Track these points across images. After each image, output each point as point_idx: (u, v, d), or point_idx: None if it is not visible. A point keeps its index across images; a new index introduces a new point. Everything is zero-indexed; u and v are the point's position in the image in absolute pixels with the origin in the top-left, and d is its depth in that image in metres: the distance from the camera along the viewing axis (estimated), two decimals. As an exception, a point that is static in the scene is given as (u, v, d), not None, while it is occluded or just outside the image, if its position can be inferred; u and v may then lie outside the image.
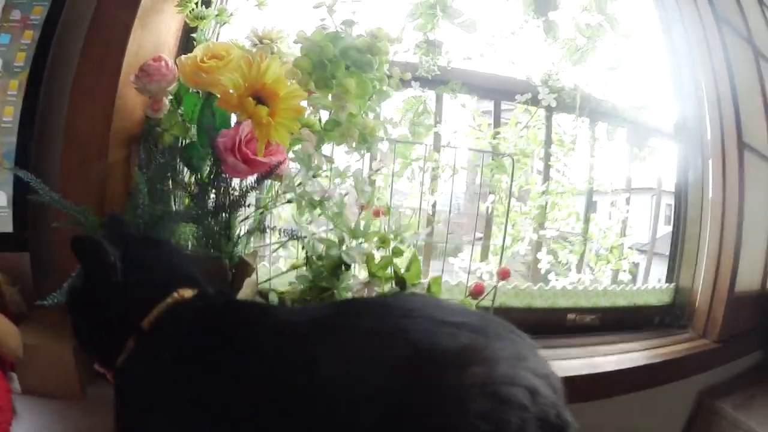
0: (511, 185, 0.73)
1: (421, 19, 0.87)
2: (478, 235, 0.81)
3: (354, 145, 0.58)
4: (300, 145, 0.58)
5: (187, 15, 0.69)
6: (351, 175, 0.59)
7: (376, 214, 0.64)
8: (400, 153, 0.82)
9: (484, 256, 0.81)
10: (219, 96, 0.56)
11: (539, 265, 0.84)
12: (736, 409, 0.71)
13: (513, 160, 0.75)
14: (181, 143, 0.64)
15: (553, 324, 0.75)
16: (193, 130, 0.65)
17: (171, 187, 0.59)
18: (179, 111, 0.63)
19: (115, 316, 0.40)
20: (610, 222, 0.86)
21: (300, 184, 0.59)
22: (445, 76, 0.81)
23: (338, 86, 0.50)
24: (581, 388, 0.62)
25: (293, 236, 0.58)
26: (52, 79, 0.68)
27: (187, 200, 0.62)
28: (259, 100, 0.52)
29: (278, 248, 0.67)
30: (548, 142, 0.85)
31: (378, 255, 0.58)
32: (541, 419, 0.33)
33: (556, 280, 0.83)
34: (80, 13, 0.68)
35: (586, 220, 0.86)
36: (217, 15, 0.70)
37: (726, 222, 0.77)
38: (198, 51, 0.62)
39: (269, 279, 0.64)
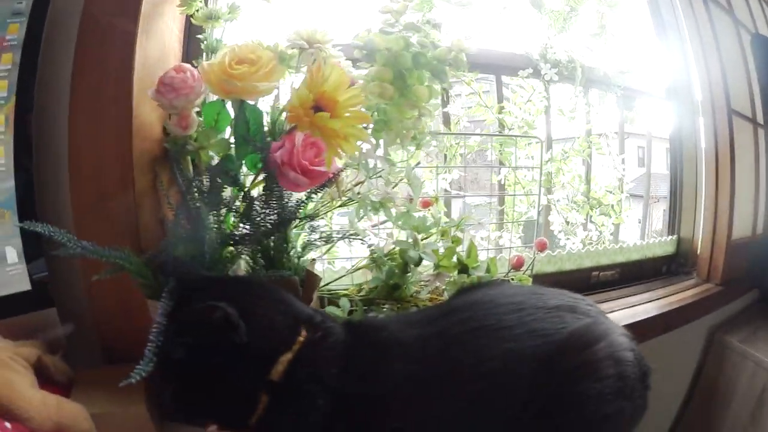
0: (542, 164, 0.79)
1: (417, -1, 0.87)
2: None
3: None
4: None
5: (194, 16, 0.64)
6: (404, 173, 0.62)
7: (425, 205, 0.67)
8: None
9: (500, 227, 0.88)
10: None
11: (551, 227, 0.94)
12: (743, 342, 0.84)
13: (542, 141, 0.81)
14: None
15: (581, 282, 0.85)
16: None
17: (219, 206, 0.57)
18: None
19: (240, 376, 0.38)
20: (609, 180, 0.98)
21: (357, 186, 0.60)
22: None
23: (412, 95, 0.51)
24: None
25: (359, 239, 0.59)
26: (45, 107, 0.61)
27: (230, 220, 0.60)
28: (318, 107, 0.52)
29: (327, 250, 0.68)
30: (549, 112, 0.92)
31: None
32: (639, 368, 0.43)
33: (567, 239, 0.93)
34: (66, 26, 0.60)
35: (588, 181, 0.96)
36: (229, 13, 0.66)
37: (720, 179, 0.89)
38: (222, 56, 0.58)
39: (332, 282, 0.66)
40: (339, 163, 0.59)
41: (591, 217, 0.95)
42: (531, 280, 0.66)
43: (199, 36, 0.67)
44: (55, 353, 0.56)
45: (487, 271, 0.64)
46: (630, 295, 0.86)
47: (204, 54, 0.68)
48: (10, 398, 0.44)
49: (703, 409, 0.87)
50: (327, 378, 0.39)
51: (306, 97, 0.48)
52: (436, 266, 0.63)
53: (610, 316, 0.78)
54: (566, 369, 0.40)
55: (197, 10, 0.64)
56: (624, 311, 0.80)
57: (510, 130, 0.87)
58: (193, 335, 0.39)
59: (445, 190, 0.84)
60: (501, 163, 0.88)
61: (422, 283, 0.63)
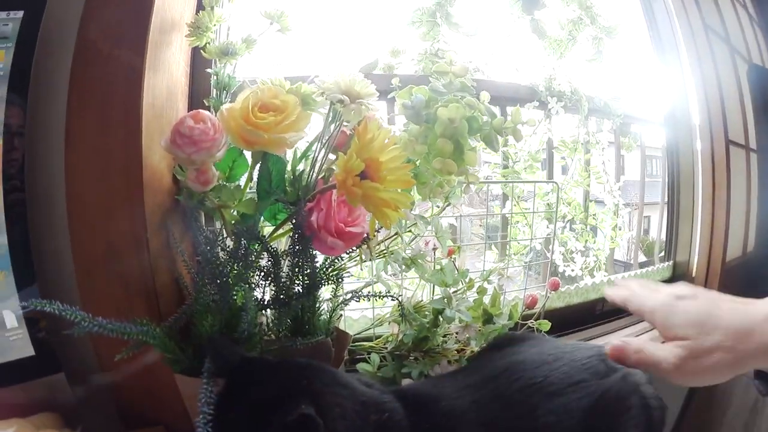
0: (557, 210, 0.84)
1: (423, 28, 0.89)
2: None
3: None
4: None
5: (206, 49, 0.62)
6: (431, 225, 0.64)
7: (450, 253, 0.70)
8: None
9: (501, 255, 0.94)
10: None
11: (552, 256, 1.00)
12: None
13: (558, 185, 0.85)
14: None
15: (587, 314, 0.93)
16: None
17: (248, 272, 0.56)
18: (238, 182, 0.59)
19: None
20: (607, 207, 1.06)
21: (385, 241, 0.62)
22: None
23: (464, 162, 0.53)
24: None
25: (390, 297, 0.61)
26: (37, 155, 0.57)
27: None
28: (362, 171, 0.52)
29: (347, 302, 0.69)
30: (550, 143, 0.98)
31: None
32: (661, 410, 0.47)
33: (566, 266, 1.00)
34: (61, 53, 0.56)
35: (586, 209, 1.03)
36: (246, 46, 0.64)
37: (716, 206, 0.98)
38: (244, 101, 0.55)
39: (358, 333, 0.67)
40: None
41: (587, 242, 1.03)
42: (548, 325, 0.71)
43: (209, 70, 0.64)
44: (72, 427, 0.55)
45: (510, 317, 0.69)
46: (632, 324, 0.95)
47: (214, 91, 0.66)
48: None
49: (699, 421, 0.97)
50: None
51: (356, 165, 0.48)
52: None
53: None
54: (607, 418, 0.45)
55: (208, 43, 0.62)
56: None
57: (516, 162, 0.91)
58: None
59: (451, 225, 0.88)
60: (505, 196, 0.93)
61: (449, 334, 0.66)
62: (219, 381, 0.44)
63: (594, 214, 1.05)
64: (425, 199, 0.61)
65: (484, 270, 0.69)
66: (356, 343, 0.68)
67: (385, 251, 0.62)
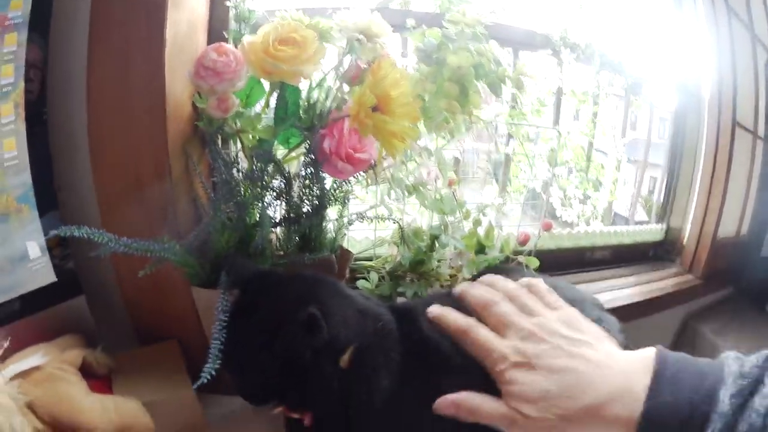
0: (556, 157, 0.90)
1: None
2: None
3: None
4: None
5: None
6: (435, 156, 0.72)
7: (450, 183, 0.78)
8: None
9: (501, 191, 1.02)
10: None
11: (550, 200, 1.08)
12: (714, 334, 1.02)
13: (560, 133, 0.92)
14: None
15: (577, 260, 1.02)
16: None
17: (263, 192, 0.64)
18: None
19: (317, 367, 0.45)
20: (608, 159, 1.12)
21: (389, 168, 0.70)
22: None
23: (469, 103, 0.60)
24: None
25: (392, 220, 0.70)
26: (59, 88, 0.62)
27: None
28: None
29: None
30: (560, 91, 1.03)
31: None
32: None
33: (564, 210, 1.09)
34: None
35: (588, 159, 1.10)
36: None
37: (714, 182, 1.05)
38: (265, 35, 0.61)
39: (360, 253, 0.76)
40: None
41: (586, 190, 1.11)
42: (537, 262, 0.80)
43: (228, 3, 0.69)
44: (93, 346, 0.61)
45: (501, 250, 0.78)
46: (618, 276, 1.04)
47: (233, 23, 0.72)
48: (72, 413, 0.49)
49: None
50: (390, 360, 0.47)
51: (369, 100, 0.56)
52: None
53: (601, 296, 0.96)
54: None
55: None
56: (613, 293, 0.97)
57: (523, 105, 0.97)
58: (279, 339, 0.45)
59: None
60: (510, 136, 0.99)
61: (444, 260, 0.75)
62: (234, 292, 0.52)
63: (600, 164, 1.12)
64: (431, 132, 0.68)
65: (481, 203, 0.78)
66: (358, 262, 0.77)
67: (389, 177, 0.69)
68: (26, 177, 0.59)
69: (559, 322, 0.44)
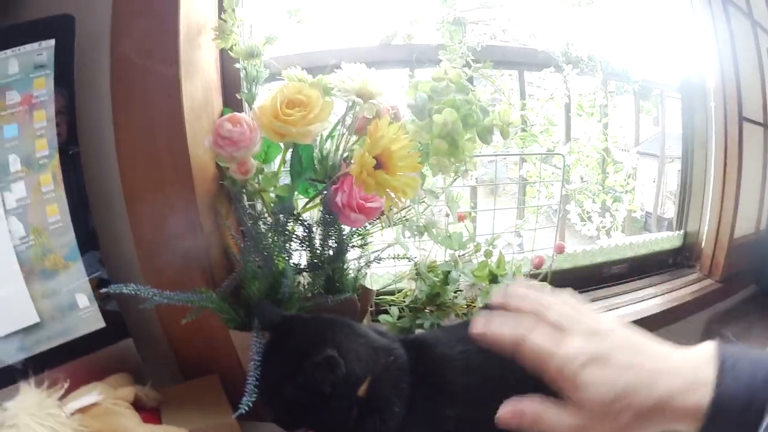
0: (563, 183, 0.94)
1: (441, -5, 0.97)
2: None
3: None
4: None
5: (233, 50, 0.74)
6: (443, 194, 0.77)
7: (461, 218, 0.84)
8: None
9: (520, 215, 1.06)
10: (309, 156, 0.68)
11: (568, 216, 1.12)
12: (737, 337, 1.01)
13: (564, 157, 0.96)
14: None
15: (594, 276, 1.06)
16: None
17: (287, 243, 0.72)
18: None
19: (337, 398, 0.52)
20: (623, 169, 1.15)
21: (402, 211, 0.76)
22: (474, 56, 0.96)
23: (460, 153, 0.66)
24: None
25: (407, 258, 0.76)
26: (93, 163, 0.71)
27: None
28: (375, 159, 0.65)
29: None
30: (568, 106, 1.07)
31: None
32: None
33: (583, 225, 1.12)
34: (94, 72, 0.70)
35: (603, 171, 1.13)
36: (265, 44, 0.77)
37: (726, 181, 1.05)
38: (271, 99, 0.68)
39: (381, 288, 0.84)
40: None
41: (605, 202, 1.14)
42: (549, 286, 0.85)
43: (237, 65, 0.76)
44: (142, 382, 0.70)
45: (513, 278, 0.83)
46: (638, 289, 1.07)
47: (244, 84, 0.79)
48: None
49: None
50: (400, 390, 0.55)
51: (369, 162, 0.62)
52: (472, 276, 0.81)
53: (620, 311, 1.00)
54: None
55: (234, 44, 0.74)
56: (632, 306, 1.00)
57: (533, 126, 1.01)
58: (303, 375, 0.53)
59: (472, 187, 1.01)
60: (523, 160, 1.03)
61: (460, 290, 0.81)
62: (265, 334, 0.60)
63: (616, 174, 1.14)
64: (435, 175, 0.74)
65: (493, 233, 0.83)
66: (380, 297, 0.85)
67: (401, 219, 0.76)
68: (71, 238, 0.69)
69: (612, 322, 0.44)
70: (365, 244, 0.74)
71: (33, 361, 0.64)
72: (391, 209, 0.73)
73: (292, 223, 0.72)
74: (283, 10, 0.76)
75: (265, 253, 0.69)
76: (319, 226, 0.73)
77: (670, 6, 1.09)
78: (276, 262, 0.70)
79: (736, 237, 1.09)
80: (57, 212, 0.68)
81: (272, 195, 0.73)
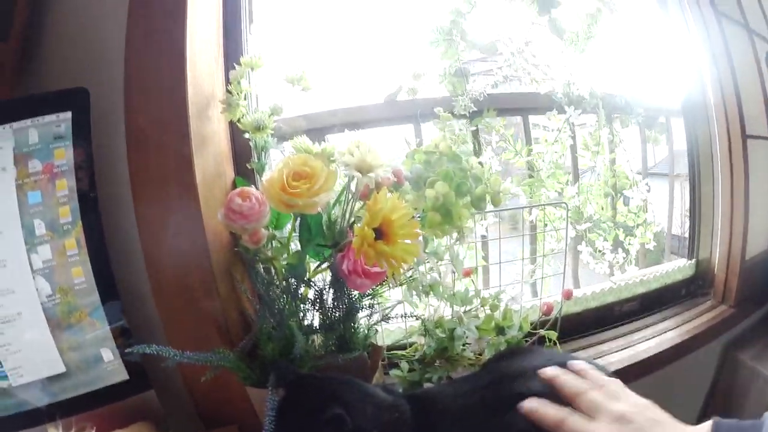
0: (567, 231, 0.98)
1: (442, 47, 1.02)
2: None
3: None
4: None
5: (241, 122, 0.81)
6: (447, 253, 0.82)
7: (467, 274, 0.89)
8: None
9: (533, 260, 1.10)
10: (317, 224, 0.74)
11: (580, 257, 1.15)
12: (753, 360, 1.05)
13: (567, 207, 0.99)
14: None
15: (605, 317, 1.08)
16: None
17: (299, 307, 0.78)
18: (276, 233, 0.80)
19: None
20: (633, 203, 1.17)
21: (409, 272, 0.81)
22: (477, 106, 1.01)
23: (456, 218, 0.70)
24: (627, 374, 0.95)
25: (414, 317, 0.82)
26: (114, 230, 0.78)
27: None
28: (377, 230, 0.71)
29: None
30: (574, 147, 1.10)
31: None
32: None
33: (596, 263, 1.15)
34: (114, 145, 0.76)
35: (614, 207, 1.16)
36: (271, 115, 0.83)
37: (734, 202, 1.07)
38: (278, 171, 0.74)
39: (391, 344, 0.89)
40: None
41: (617, 236, 1.16)
42: (555, 334, 0.89)
43: (246, 136, 0.82)
44: (163, 431, 0.77)
45: (520, 328, 0.87)
46: (651, 325, 1.09)
47: (254, 153, 0.86)
48: None
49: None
50: None
51: (369, 234, 0.67)
52: (478, 330, 0.85)
53: (635, 348, 1.02)
54: None
55: (242, 116, 0.80)
56: (646, 343, 1.03)
57: (539, 171, 1.05)
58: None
59: (483, 236, 1.05)
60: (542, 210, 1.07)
61: (467, 344, 0.85)
62: (279, 391, 0.66)
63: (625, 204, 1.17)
64: (438, 238, 0.79)
65: (500, 286, 0.87)
66: (392, 352, 0.90)
67: (407, 280, 0.81)
68: (95, 297, 0.75)
69: (641, 405, 0.55)
70: (373, 305, 0.79)
71: (59, 407, 0.71)
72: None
73: (303, 287, 0.78)
74: (287, 78, 0.82)
75: (278, 316, 0.75)
76: (329, 289, 0.79)
77: (665, 27, 1.11)
78: (289, 324, 0.76)
79: (748, 258, 1.11)
80: (81, 274, 0.75)
81: (283, 262, 0.78)
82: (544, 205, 1.04)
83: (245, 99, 0.82)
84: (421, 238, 0.78)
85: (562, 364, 0.69)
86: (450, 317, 0.83)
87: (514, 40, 1.04)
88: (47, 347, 0.73)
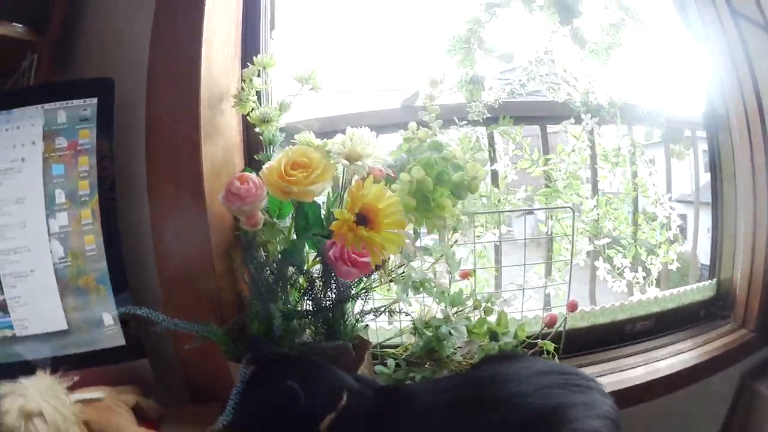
0: (573, 236, 0.96)
1: (459, 56, 1.05)
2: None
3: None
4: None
5: (250, 116, 0.87)
6: (442, 252, 0.83)
7: (464, 276, 0.89)
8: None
9: (548, 272, 1.08)
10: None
11: (597, 273, 1.12)
12: None
13: (573, 211, 0.98)
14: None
15: (613, 335, 1.04)
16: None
17: (286, 290, 0.81)
18: (268, 217, 0.84)
19: (298, 428, 0.61)
20: (656, 221, 1.12)
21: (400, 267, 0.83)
22: (493, 113, 1.02)
23: (437, 207, 0.72)
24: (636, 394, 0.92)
25: (403, 313, 0.83)
26: (126, 204, 0.85)
27: (295, 295, 0.84)
28: (361, 216, 0.74)
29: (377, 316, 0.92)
30: (593, 158, 1.08)
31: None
32: None
33: (614, 282, 1.11)
34: (133, 130, 0.84)
35: (635, 223, 1.12)
36: (279, 110, 0.89)
37: (758, 216, 1.02)
38: (278, 160, 0.78)
39: (383, 341, 0.91)
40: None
41: (640, 256, 1.11)
42: (552, 345, 0.86)
43: (257, 129, 0.88)
44: (148, 396, 0.82)
45: (515, 336, 0.85)
46: (665, 345, 1.03)
47: (264, 145, 0.91)
48: None
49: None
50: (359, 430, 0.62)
51: (348, 217, 0.70)
52: (470, 332, 0.85)
53: (643, 369, 0.98)
54: None
55: (252, 110, 0.86)
56: (657, 364, 0.98)
57: (555, 181, 1.04)
58: (268, 401, 0.63)
59: (495, 243, 1.05)
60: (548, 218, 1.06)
61: (458, 346, 0.85)
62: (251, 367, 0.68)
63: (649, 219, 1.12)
64: (431, 232, 0.80)
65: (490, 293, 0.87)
66: (384, 349, 0.91)
67: (398, 275, 0.82)
68: (103, 264, 0.83)
69: None
70: (361, 296, 0.81)
71: (56, 361, 0.77)
72: (385, 263, 0.81)
73: (295, 274, 0.81)
74: (296, 77, 0.87)
75: (265, 297, 0.78)
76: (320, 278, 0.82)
77: (685, 35, 1.08)
78: (269, 304, 0.79)
79: None
80: (93, 242, 0.82)
81: (276, 246, 0.82)
82: (546, 209, 1.02)
83: (257, 95, 0.88)
84: (411, 232, 0.80)
85: (546, 373, 0.68)
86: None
87: (534, 48, 1.05)
88: (53, 304, 0.81)
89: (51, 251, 0.80)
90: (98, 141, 0.82)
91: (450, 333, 0.80)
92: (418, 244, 0.82)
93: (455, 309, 0.84)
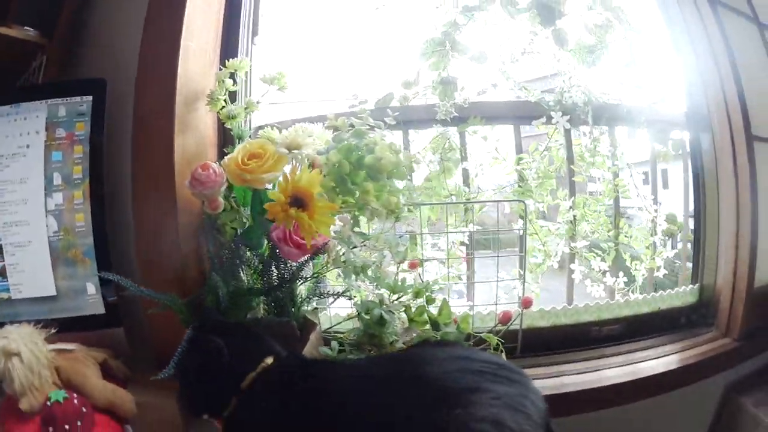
0: (525, 229, 0.96)
1: (433, 58, 1.09)
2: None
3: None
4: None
5: (220, 113, 0.97)
6: (385, 241, 0.87)
7: (413, 266, 0.92)
8: (435, 192, 1.08)
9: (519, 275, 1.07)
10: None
11: (573, 276, 1.08)
12: (757, 406, 0.92)
13: (525, 204, 0.98)
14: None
15: (578, 337, 1.00)
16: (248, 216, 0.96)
17: (241, 268, 0.89)
18: (234, 205, 0.93)
19: (223, 383, 0.69)
20: (640, 224, 1.08)
21: (343, 255, 0.88)
22: (464, 113, 1.05)
23: (360, 191, 0.77)
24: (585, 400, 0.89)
25: (345, 296, 0.88)
26: (113, 187, 0.97)
27: (252, 275, 0.92)
28: (297, 199, 0.80)
29: (332, 302, 0.98)
30: (570, 158, 1.07)
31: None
32: None
33: (592, 286, 1.07)
34: (119, 123, 0.96)
35: (616, 226, 1.08)
36: (245, 108, 0.99)
37: (740, 220, 0.96)
38: (238, 151, 0.88)
39: (330, 327, 0.95)
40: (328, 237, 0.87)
41: (624, 261, 1.07)
42: (496, 339, 0.86)
43: (227, 126, 0.98)
44: (118, 358, 0.94)
45: (458, 327, 0.86)
46: (637, 350, 0.99)
47: (235, 140, 1.01)
48: (83, 383, 0.83)
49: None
50: (277, 393, 0.67)
51: (281, 198, 0.76)
52: (411, 320, 0.87)
53: (609, 372, 0.93)
54: (423, 419, 0.59)
55: (222, 108, 0.97)
56: (628, 367, 0.94)
57: (526, 181, 1.04)
58: (198, 356, 0.71)
59: (463, 242, 1.07)
60: (521, 217, 1.05)
61: (399, 334, 0.87)
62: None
63: (628, 231, 1.07)
64: (371, 220, 0.85)
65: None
66: (335, 333, 0.96)
67: (341, 260, 0.87)
68: (90, 240, 0.95)
69: None
70: (308, 279, 0.87)
71: (43, 323, 0.86)
72: (327, 248, 0.86)
73: (250, 254, 0.89)
74: (263, 78, 0.96)
75: (219, 273, 0.86)
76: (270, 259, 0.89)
77: (666, 31, 1.05)
78: (213, 275, 0.86)
79: (757, 285, 0.97)
80: (83, 219, 0.95)
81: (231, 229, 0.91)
82: (497, 201, 1.01)
83: (230, 96, 0.99)
84: (347, 216, 0.85)
85: (468, 359, 0.69)
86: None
87: (510, 49, 1.07)
88: (45, 272, 0.94)
89: (47, 225, 0.94)
90: (92, 133, 0.96)
91: (382, 316, 0.83)
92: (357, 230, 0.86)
93: (396, 296, 0.87)
